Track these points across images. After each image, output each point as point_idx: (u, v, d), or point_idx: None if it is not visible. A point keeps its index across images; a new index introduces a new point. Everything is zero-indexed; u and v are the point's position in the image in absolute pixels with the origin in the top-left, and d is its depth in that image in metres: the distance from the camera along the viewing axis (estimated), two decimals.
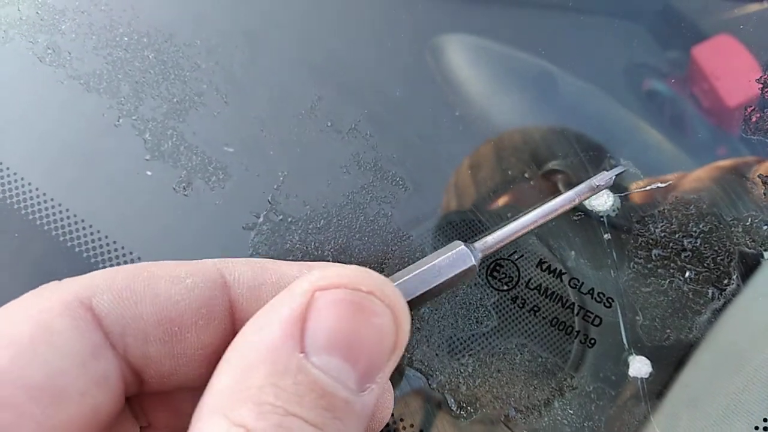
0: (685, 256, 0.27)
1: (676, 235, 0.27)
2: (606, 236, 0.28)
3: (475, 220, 0.28)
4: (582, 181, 0.26)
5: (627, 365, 0.26)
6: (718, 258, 0.27)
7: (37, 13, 0.29)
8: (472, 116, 0.29)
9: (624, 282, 0.27)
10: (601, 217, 0.28)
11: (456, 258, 0.20)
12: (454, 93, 0.30)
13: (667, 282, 0.27)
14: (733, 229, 0.27)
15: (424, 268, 0.20)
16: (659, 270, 0.27)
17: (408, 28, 0.30)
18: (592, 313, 0.27)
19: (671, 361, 0.27)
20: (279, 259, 0.27)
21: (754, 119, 0.29)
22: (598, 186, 0.25)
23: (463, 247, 0.21)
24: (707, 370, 0.26)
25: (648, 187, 0.28)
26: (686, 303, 0.27)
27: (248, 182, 0.27)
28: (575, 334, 0.27)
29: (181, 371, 0.17)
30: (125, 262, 0.27)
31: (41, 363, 0.14)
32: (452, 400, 0.26)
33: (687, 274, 0.27)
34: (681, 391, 0.26)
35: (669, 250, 0.27)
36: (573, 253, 0.28)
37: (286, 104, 0.28)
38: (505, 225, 0.23)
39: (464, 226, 0.28)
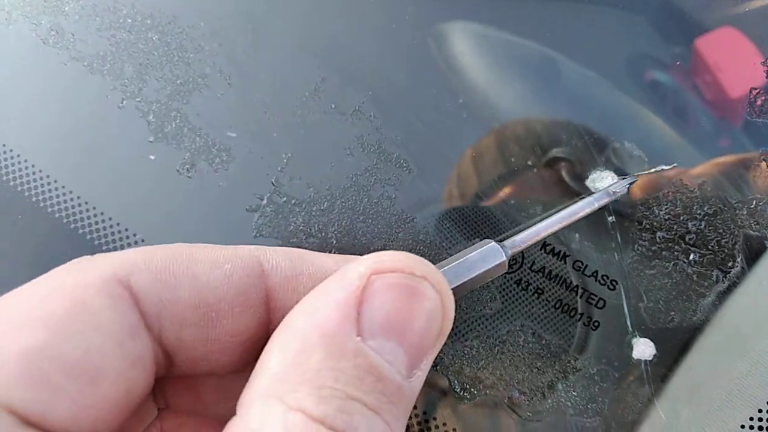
0: (690, 239, 0.27)
1: (681, 218, 0.27)
2: (610, 219, 0.28)
3: (478, 210, 0.28)
4: (586, 172, 0.27)
5: (631, 347, 0.26)
6: (723, 241, 0.27)
7: None
8: (476, 103, 0.29)
9: (628, 264, 0.27)
10: None
11: (488, 254, 0.21)
12: (457, 79, 0.30)
13: (671, 264, 0.27)
14: (737, 211, 0.27)
15: (458, 262, 0.21)
16: (663, 252, 0.27)
17: (412, 12, 0.30)
18: (596, 296, 0.27)
19: (675, 344, 0.27)
20: (282, 241, 0.27)
21: (759, 102, 0.29)
22: (615, 193, 0.27)
23: (494, 243, 0.22)
24: (711, 355, 0.26)
25: (653, 170, 0.28)
26: (690, 285, 0.27)
27: (252, 164, 0.27)
28: (579, 316, 0.27)
29: (212, 357, 0.17)
30: (128, 244, 0.27)
31: (79, 341, 0.14)
32: (456, 381, 0.26)
33: (691, 256, 0.27)
34: (684, 375, 0.26)
35: (673, 233, 0.27)
36: (577, 235, 0.28)
37: (289, 86, 0.28)
38: (531, 225, 0.25)
39: (468, 216, 0.28)
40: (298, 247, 0.20)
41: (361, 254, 0.18)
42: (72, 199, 0.27)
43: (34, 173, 0.27)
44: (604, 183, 0.27)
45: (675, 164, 0.28)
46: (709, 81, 0.30)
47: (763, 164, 0.28)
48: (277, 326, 0.16)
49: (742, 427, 0.25)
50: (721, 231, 0.27)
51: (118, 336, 0.15)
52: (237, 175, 0.27)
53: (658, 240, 0.27)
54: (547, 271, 0.27)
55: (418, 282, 0.15)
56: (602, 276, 0.27)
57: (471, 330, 0.26)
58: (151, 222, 0.27)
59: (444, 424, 0.26)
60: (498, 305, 0.27)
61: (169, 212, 0.27)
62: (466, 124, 0.29)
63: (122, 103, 0.27)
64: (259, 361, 0.15)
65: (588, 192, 0.28)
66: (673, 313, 0.27)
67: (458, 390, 0.26)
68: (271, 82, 0.28)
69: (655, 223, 0.27)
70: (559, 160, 0.29)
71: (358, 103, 0.28)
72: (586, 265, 0.27)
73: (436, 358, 0.26)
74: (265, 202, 0.27)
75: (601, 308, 0.27)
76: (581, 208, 0.26)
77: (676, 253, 0.27)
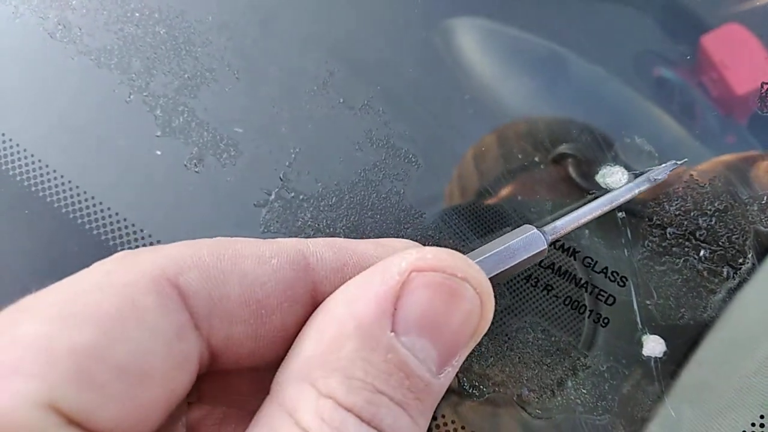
0: (700, 235, 0.27)
1: (691, 214, 0.27)
2: (620, 215, 0.27)
3: (488, 206, 0.28)
4: (594, 168, 0.27)
5: (641, 344, 0.26)
6: (733, 237, 0.27)
7: None
8: (484, 99, 0.29)
9: (638, 261, 0.27)
10: None
11: (529, 241, 0.21)
12: (466, 75, 0.29)
13: (681, 261, 0.27)
14: (748, 207, 0.27)
15: (500, 248, 0.21)
16: (674, 249, 0.27)
17: (422, 6, 0.30)
18: (605, 292, 0.27)
19: (685, 341, 0.26)
20: (291, 236, 0.27)
21: None
22: (656, 180, 0.26)
23: (536, 230, 0.22)
24: (720, 352, 0.26)
25: (663, 166, 0.27)
26: (701, 282, 0.27)
27: (260, 159, 0.27)
28: (588, 313, 0.27)
29: (259, 353, 0.17)
30: (136, 239, 0.26)
31: (128, 341, 0.14)
32: (464, 379, 0.26)
33: (702, 252, 0.27)
34: (693, 372, 0.26)
35: (683, 229, 0.27)
36: (587, 231, 0.27)
37: (297, 80, 0.28)
38: (571, 211, 0.24)
39: (477, 212, 0.28)
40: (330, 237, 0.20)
41: None
42: (79, 194, 0.27)
43: (40, 168, 0.27)
44: (614, 178, 0.27)
45: (686, 159, 0.27)
46: (715, 78, 0.30)
47: (765, 162, 0.28)
48: None
49: (753, 425, 0.25)
50: (731, 227, 0.27)
51: (167, 337, 0.14)
52: (245, 170, 0.27)
53: (668, 236, 0.27)
54: (556, 267, 0.27)
55: (459, 283, 0.15)
56: (612, 272, 0.27)
57: None
58: (157, 217, 0.27)
59: (453, 422, 0.25)
60: (507, 301, 0.26)
61: (176, 207, 0.27)
62: (475, 119, 0.29)
63: (129, 97, 0.27)
64: (295, 343, 0.15)
65: (596, 188, 0.28)
66: (683, 309, 0.27)
67: (467, 387, 0.26)
68: (279, 77, 0.28)
69: (665, 219, 0.27)
70: (567, 156, 0.29)
71: (366, 97, 0.28)
72: (596, 262, 0.27)
73: None
74: (273, 197, 0.27)
75: (610, 305, 0.27)
76: (622, 194, 0.25)
77: (686, 249, 0.27)
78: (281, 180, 0.27)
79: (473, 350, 0.26)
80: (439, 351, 0.15)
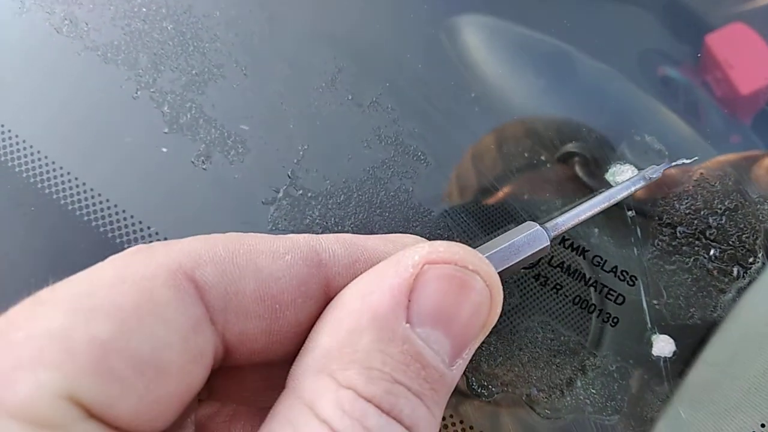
0: (710, 234, 0.27)
1: (701, 213, 0.27)
2: (630, 213, 0.27)
3: (496, 204, 0.28)
4: (601, 166, 0.27)
5: (650, 344, 0.26)
6: (743, 236, 0.27)
7: None
8: (492, 96, 0.29)
9: (648, 260, 0.27)
10: None
11: (533, 237, 0.21)
12: (473, 72, 0.29)
13: (691, 260, 0.27)
14: (758, 206, 0.27)
15: (504, 245, 0.21)
16: (684, 248, 0.27)
17: (430, 2, 0.29)
18: (615, 291, 0.27)
19: (695, 341, 0.26)
20: (299, 233, 0.26)
21: None
22: (650, 178, 0.26)
23: (539, 227, 0.22)
24: (728, 352, 0.26)
25: (673, 164, 0.27)
26: (710, 281, 0.27)
27: (268, 156, 0.27)
28: (598, 312, 0.26)
29: (272, 348, 0.17)
30: (142, 236, 0.26)
31: (147, 335, 0.14)
32: (473, 379, 0.25)
33: (712, 252, 0.27)
34: (701, 372, 0.26)
35: (693, 228, 0.27)
36: (596, 230, 0.27)
37: (306, 77, 0.28)
38: (571, 209, 0.24)
39: (485, 209, 0.28)
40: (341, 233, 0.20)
41: None
42: (85, 191, 0.26)
43: (46, 164, 0.27)
44: (624, 177, 0.27)
45: (696, 158, 0.27)
46: (719, 77, 0.30)
47: (765, 162, 0.28)
48: None
49: (762, 426, 0.25)
50: (742, 226, 0.27)
51: (184, 330, 0.14)
52: (252, 167, 0.27)
53: (678, 235, 0.27)
54: (566, 266, 0.27)
55: (470, 275, 0.15)
56: (622, 272, 0.27)
57: None
58: (164, 214, 0.26)
59: (461, 422, 0.25)
60: (516, 301, 0.26)
61: (184, 204, 0.26)
62: (484, 117, 0.28)
63: (137, 93, 0.27)
64: (310, 336, 0.16)
65: (604, 186, 0.27)
66: (693, 309, 0.26)
67: (476, 387, 0.25)
68: (287, 73, 0.28)
69: (675, 218, 0.27)
70: (573, 155, 0.29)
71: (375, 94, 0.28)
72: (606, 261, 0.27)
73: None
74: (281, 194, 0.27)
75: (620, 304, 0.27)
76: (619, 191, 0.25)
77: (696, 248, 0.27)
78: (289, 177, 0.27)
79: (482, 350, 0.26)
80: (452, 342, 0.15)
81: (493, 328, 0.26)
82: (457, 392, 0.25)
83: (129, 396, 0.13)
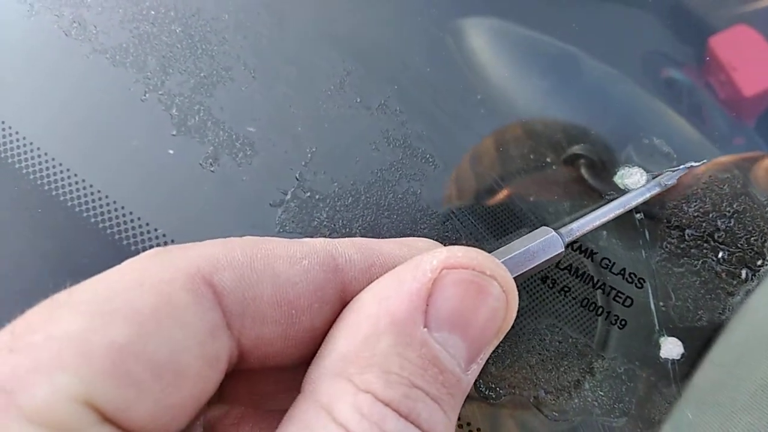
0: (719, 237, 0.27)
1: (710, 215, 0.27)
2: (638, 216, 0.27)
3: (504, 206, 0.28)
4: (607, 169, 0.27)
5: (658, 347, 0.26)
6: (752, 238, 0.27)
7: None
8: (500, 98, 0.29)
9: (656, 262, 0.27)
10: None
11: (548, 243, 0.22)
12: (480, 74, 0.29)
13: (699, 262, 0.27)
14: (767, 209, 0.27)
15: (520, 251, 0.21)
16: (692, 250, 0.27)
17: (438, 5, 0.29)
18: (623, 294, 0.27)
19: (703, 343, 0.26)
20: (306, 236, 0.26)
21: None
22: (666, 185, 0.26)
23: (554, 233, 0.22)
24: (735, 353, 0.26)
25: (681, 167, 0.27)
26: (719, 284, 0.27)
27: (276, 158, 0.27)
28: (606, 314, 0.26)
29: (287, 353, 0.17)
30: (150, 239, 0.26)
31: (165, 339, 0.14)
32: (481, 381, 0.26)
33: (720, 254, 0.27)
34: (708, 374, 0.26)
35: (702, 231, 0.27)
36: (605, 233, 0.27)
37: (314, 79, 0.28)
38: (585, 214, 0.25)
39: (493, 212, 0.28)
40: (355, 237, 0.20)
41: None
42: (93, 193, 0.26)
43: (54, 166, 0.27)
44: (633, 179, 0.27)
45: (705, 161, 0.27)
46: (723, 79, 0.30)
47: (764, 163, 0.28)
48: None
49: None
50: (750, 229, 0.27)
51: (201, 335, 0.14)
52: (261, 169, 0.27)
53: (686, 238, 0.27)
54: (574, 268, 0.27)
55: (487, 280, 0.15)
56: (630, 274, 0.27)
57: None
58: (172, 217, 0.26)
59: (468, 424, 0.25)
60: (524, 303, 0.26)
61: (192, 206, 0.26)
62: (490, 119, 0.28)
63: (145, 95, 0.27)
64: (326, 340, 0.16)
65: (613, 189, 0.27)
66: (701, 311, 0.26)
67: (483, 389, 0.25)
68: (296, 76, 0.28)
69: (683, 221, 0.27)
70: (579, 157, 0.28)
71: (383, 97, 0.28)
72: (614, 263, 0.27)
73: None
74: (288, 197, 0.27)
75: (628, 306, 0.27)
76: (634, 197, 0.26)
77: (704, 251, 0.27)
78: (297, 180, 0.27)
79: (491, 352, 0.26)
80: (468, 347, 0.15)
81: None
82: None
83: (145, 400, 0.13)
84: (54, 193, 0.26)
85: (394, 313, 0.15)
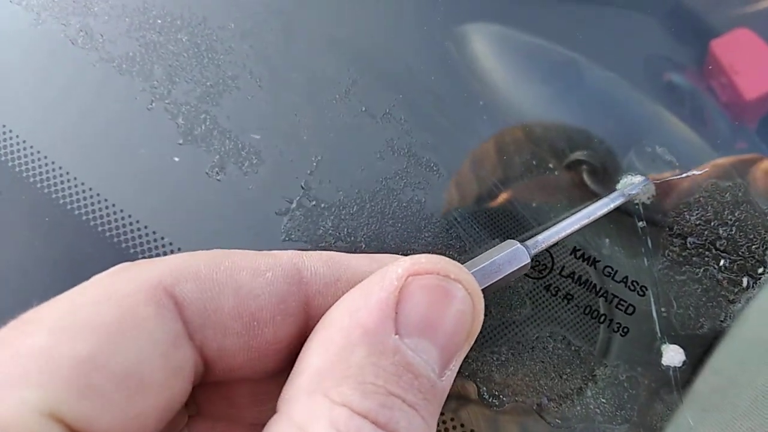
0: (720, 245, 0.27)
1: (711, 223, 0.27)
2: (641, 224, 0.27)
3: (507, 212, 0.28)
4: (609, 175, 0.28)
5: (660, 354, 0.26)
6: (753, 246, 0.27)
7: None
8: (503, 105, 0.29)
9: (658, 270, 0.27)
10: (636, 204, 0.27)
11: (514, 255, 0.22)
12: (484, 82, 0.29)
13: (701, 270, 0.27)
14: None
15: (485, 264, 0.21)
16: (694, 258, 0.27)
17: (444, 14, 0.30)
18: (625, 302, 0.27)
19: (705, 350, 0.26)
20: (312, 245, 0.27)
21: None
22: (629, 195, 0.27)
23: (519, 245, 0.22)
24: (736, 359, 0.26)
25: (683, 175, 0.27)
26: (720, 291, 0.27)
27: (281, 167, 0.27)
28: (608, 322, 0.27)
29: (251, 364, 0.17)
30: (156, 247, 0.26)
31: (128, 350, 0.14)
32: (484, 388, 0.26)
33: (722, 262, 0.27)
34: (709, 380, 0.26)
35: (704, 239, 0.27)
36: (607, 240, 0.27)
37: (320, 88, 0.28)
38: (551, 226, 0.25)
39: (496, 218, 0.28)
40: (327, 251, 0.20)
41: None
42: (99, 202, 0.27)
43: (61, 175, 0.27)
44: (637, 187, 0.27)
45: (707, 170, 0.28)
46: (724, 83, 0.30)
47: (762, 165, 0.28)
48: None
49: None
50: (751, 237, 0.27)
51: (163, 346, 0.15)
52: (266, 178, 0.27)
53: (688, 245, 0.27)
54: (576, 276, 0.27)
55: (452, 284, 0.16)
56: (632, 282, 0.27)
57: (500, 336, 0.26)
58: (178, 225, 0.27)
59: (472, 431, 0.25)
60: (527, 311, 0.27)
61: (198, 215, 0.27)
62: (493, 125, 0.29)
63: (151, 104, 0.27)
64: (299, 359, 0.16)
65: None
66: (702, 319, 0.27)
67: (487, 396, 0.26)
68: (301, 84, 0.28)
69: (685, 229, 0.27)
70: (581, 162, 0.29)
71: (388, 106, 0.28)
72: (616, 271, 0.27)
73: (464, 364, 0.26)
74: (294, 205, 0.27)
75: (630, 314, 0.27)
76: (598, 208, 0.26)
77: (706, 258, 0.27)
78: (303, 188, 0.27)
79: (493, 359, 0.26)
80: (440, 351, 0.15)
81: (504, 338, 0.26)
82: (468, 401, 0.26)
83: (110, 411, 0.13)
84: (61, 201, 0.27)
85: (365, 324, 0.15)
